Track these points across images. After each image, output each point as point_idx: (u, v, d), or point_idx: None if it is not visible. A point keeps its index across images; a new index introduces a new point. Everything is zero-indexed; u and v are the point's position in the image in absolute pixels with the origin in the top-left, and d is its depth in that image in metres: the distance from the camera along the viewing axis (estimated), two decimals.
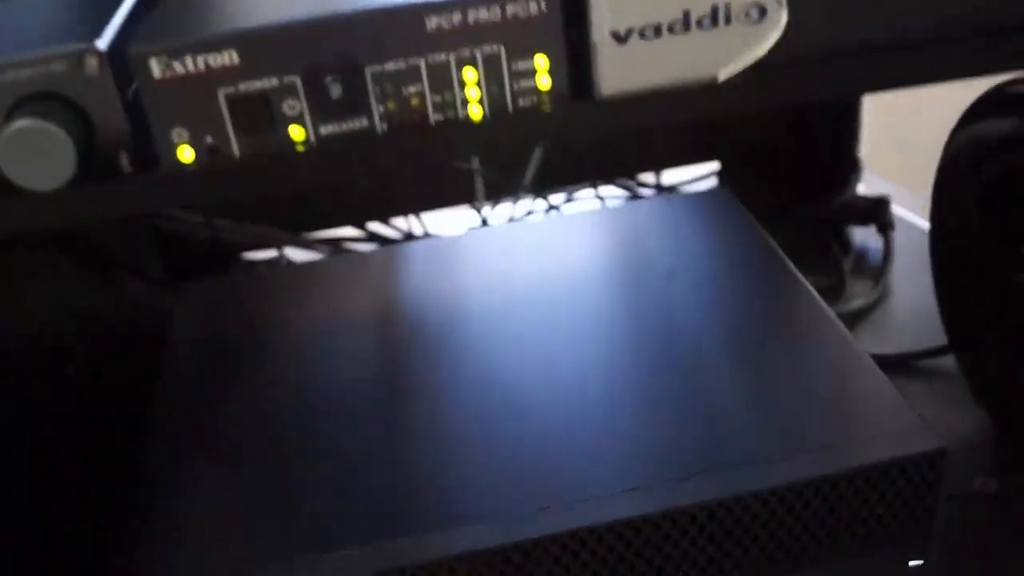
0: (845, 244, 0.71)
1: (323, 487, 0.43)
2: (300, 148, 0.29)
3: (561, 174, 0.81)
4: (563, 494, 0.41)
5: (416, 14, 0.28)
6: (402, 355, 0.52)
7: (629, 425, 0.44)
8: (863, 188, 0.76)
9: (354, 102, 0.28)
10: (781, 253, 0.54)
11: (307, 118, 0.29)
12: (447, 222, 0.83)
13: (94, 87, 0.29)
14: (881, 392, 0.44)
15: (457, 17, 0.28)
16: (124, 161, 0.30)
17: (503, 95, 0.29)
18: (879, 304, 0.64)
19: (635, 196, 0.81)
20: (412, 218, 0.78)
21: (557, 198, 0.80)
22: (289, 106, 0.28)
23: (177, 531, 0.42)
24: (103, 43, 0.29)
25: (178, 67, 0.28)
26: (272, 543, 0.41)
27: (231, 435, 0.47)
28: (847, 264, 0.68)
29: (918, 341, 0.59)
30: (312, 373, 0.51)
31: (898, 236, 0.70)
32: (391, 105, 0.29)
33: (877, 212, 0.69)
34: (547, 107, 0.29)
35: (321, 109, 0.28)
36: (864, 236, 0.72)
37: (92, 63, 0.29)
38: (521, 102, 0.29)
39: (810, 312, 0.49)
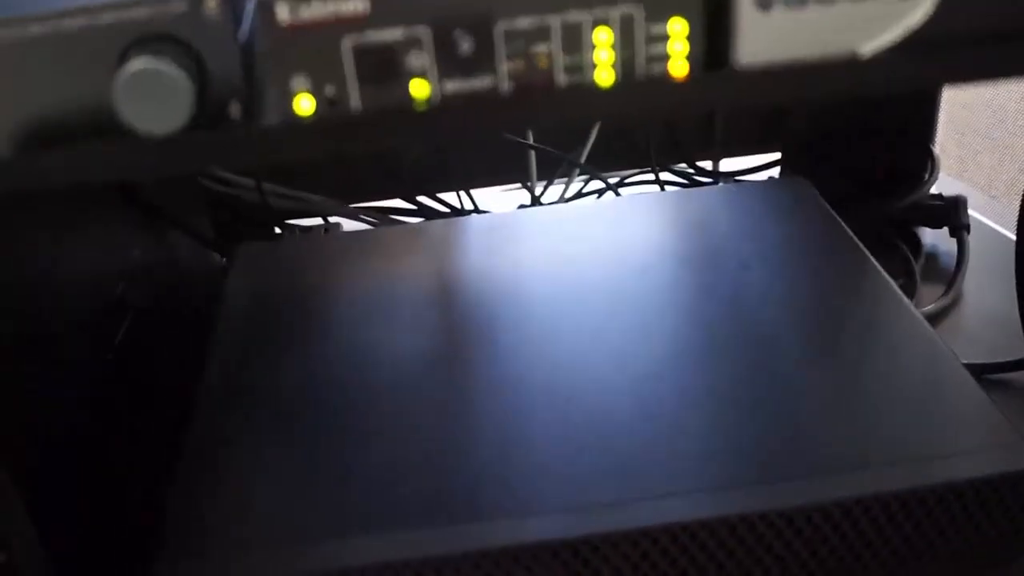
0: (915, 245, 0.71)
1: (379, 464, 0.43)
2: (422, 105, 0.28)
3: (614, 156, 0.80)
4: (634, 490, 0.40)
5: None
6: (462, 332, 0.51)
7: (703, 422, 0.43)
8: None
9: (481, 59, 0.28)
10: (863, 248, 0.54)
11: (432, 73, 0.28)
12: (496, 199, 0.83)
13: (211, 30, 0.29)
14: (975, 401, 0.42)
15: None
16: (234, 109, 0.30)
17: (635, 60, 0.29)
18: (950, 311, 0.64)
19: (693, 183, 0.80)
20: (460, 194, 0.78)
21: (612, 181, 0.80)
22: (415, 59, 0.28)
23: (228, 502, 0.42)
24: None
25: (305, 13, 0.27)
26: (325, 519, 0.40)
27: (285, 405, 0.47)
28: (918, 268, 0.68)
29: (993, 353, 0.58)
30: (369, 344, 0.51)
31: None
32: (518, 64, 0.28)
33: (952, 214, 0.69)
34: (680, 75, 0.29)
35: (447, 64, 0.28)
36: (933, 237, 0.72)
37: (211, 4, 0.28)
38: (653, 69, 0.29)
39: (895, 311, 0.49)
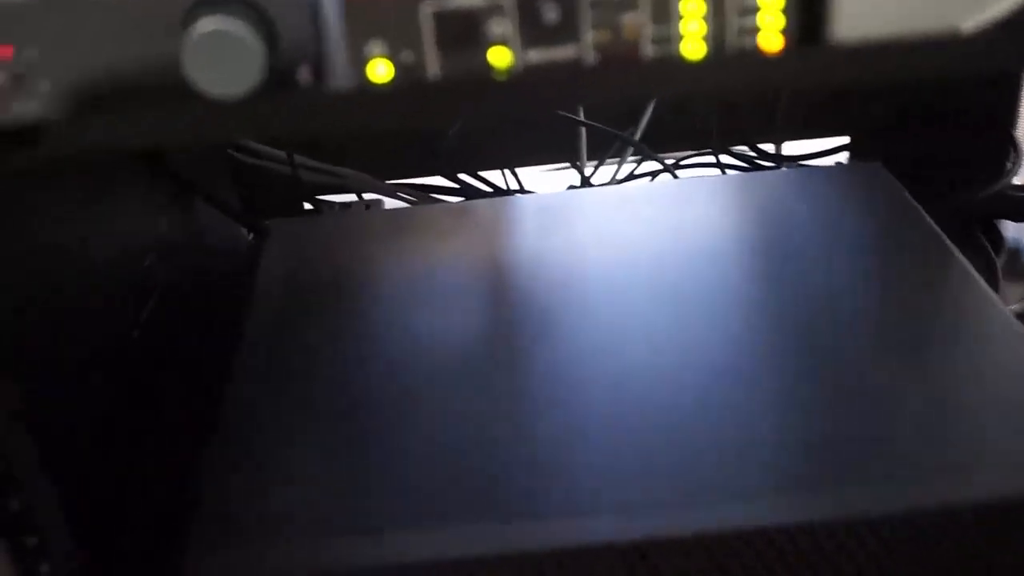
0: (996, 240, 0.71)
1: (425, 456, 0.44)
2: (502, 74, 0.30)
3: (669, 136, 0.81)
4: (698, 491, 0.41)
5: None
6: (512, 320, 0.52)
7: (775, 421, 0.44)
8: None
9: (566, 27, 0.29)
10: (947, 240, 0.54)
11: (515, 41, 0.29)
12: (542, 179, 0.84)
13: None
14: None
15: None
16: (304, 73, 0.31)
17: (726, 32, 0.30)
18: None
19: (754, 167, 0.81)
20: (504, 173, 0.79)
21: (668, 163, 0.81)
22: (496, 26, 0.29)
23: (262, 493, 0.43)
24: None
25: None
26: (362, 513, 0.41)
27: (324, 392, 0.48)
28: (999, 262, 0.68)
29: None
30: (413, 330, 0.52)
31: None
32: (604, 34, 0.30)
33: None
34: (773, 49, 0.30)
35: (530, 32, 0.29)
36: (1016, 231, 0.72)
37: None
38: (745, 42, 0.30)
39: (984, 309, 0.49)
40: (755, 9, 0.30)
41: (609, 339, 0.50)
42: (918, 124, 0.76)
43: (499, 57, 0.29)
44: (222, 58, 0.29)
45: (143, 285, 0.53)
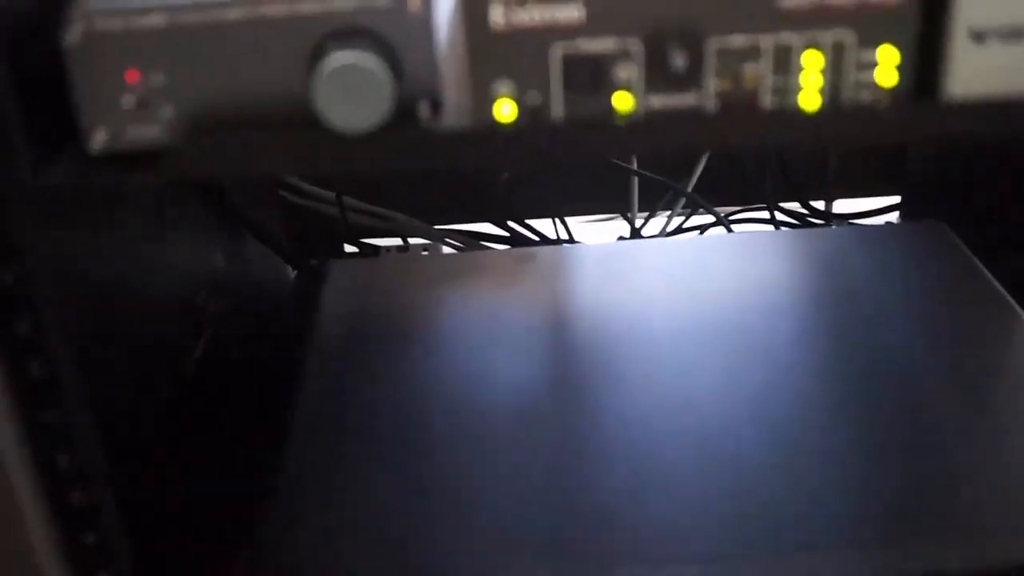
0: None
1: (494, 502, 0.45)
2: (625, 118, 0.32)
3: (720, 189, 0.83)
4: (766, 543, 0.42)
5: None
6: (576, 368, 0.54)
7: (839, 474, 0.45)
8: None
9: (690, 75, 0.31)
10: (1010, 299, 0.56)
11: (639, 86, 0.31)
12: (590, 229, 0.86)
13: (412, 27, 0.32)
14: None
15: None
16: (424, 109, 0.33)
17: (844, 85, 0.32)
18: None
19: (805, 224, 0.83)
20: (555, 222, 0.81)
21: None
22: (623, 71, 0.31)
23: (320, 533, 0.45)
24: None
25: (520, 16, 0.31)
26: (426, 565, 0.43)
27: (387, 438, 0.50)
28: None
29: None
30: (475, 376, 0.54)
31: None
32: (726, 83, 0.32)
33: None
34: (889, 104, 0.32)
35: (656, 78, 0.31)
36: None
37: (416, 1, 0.32)
38: (862, 95, 0.32)
39: None
40: (872, 64, 0.32)
41: (677, 390, 0.51)
42: (972, 182, 0.78)
43: (623, 101, 0.32)
44: (352, 93, 0.31)
45: (196, 319, 0.55)
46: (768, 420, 0.49)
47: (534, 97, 0.31)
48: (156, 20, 0.32)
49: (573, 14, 0.31)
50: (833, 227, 0.68)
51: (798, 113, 0.32)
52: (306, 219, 0.76)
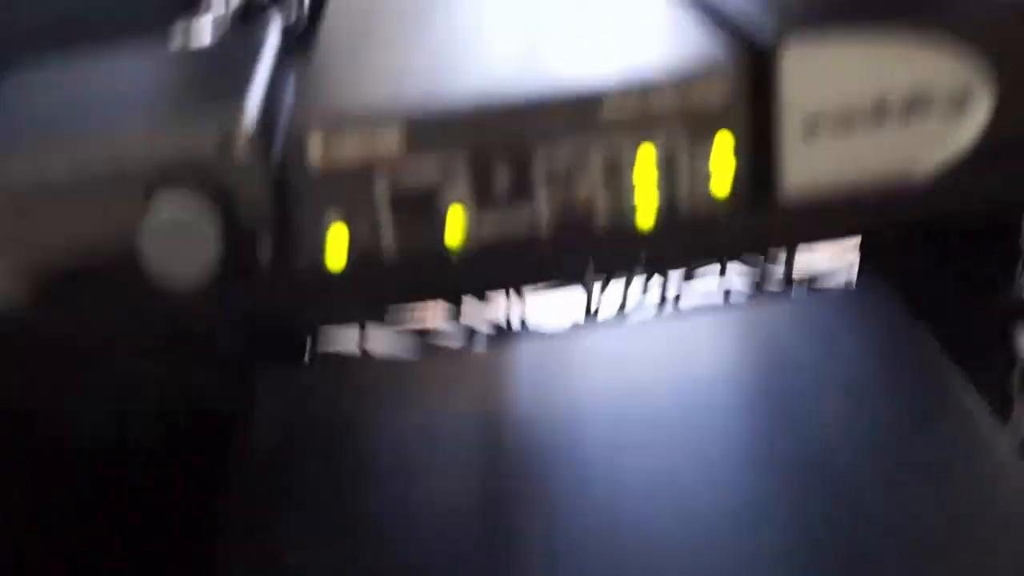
0: (1010, 351, 0.72)
1: None
2: (457, 250, 0.31)
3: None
4: None
5: (593, 98, 0.30)
6: (508, 476, 0.54)
7: (779, 569, 0.45)
8: None
9: (520, 192, 0.31)
10: (956, 371, 0.55)
11: (469, 206, 0.31)
12: (548, 302, 0.85)
13: (240, 168, 0.31)
14: None
15: (635, 102, 0.30)
16: (263, 250, 0.33)
17: (678, 196, 0.31)
18: None
19: (762, 280, 0.82)
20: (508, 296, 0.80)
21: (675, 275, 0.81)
22: (451, 195, 0.31)
23: None
24: (251, 117, 0.32)
25: (338, 145, 0.30)
26: None
27: (317, 556, 0.49)
28: (1015, 377, 0.69)
29: None
30: (408, 493, 0.53)
31: None
32: (558, 197, 0.31)
33: None
34: (726, 209, 0.31)
35: (484, 198, 0.31)
36: None
37: (242, 142, 0.31)
38: (697, 204, 0.31)
39: (986, 450, 0.50)
40: (705, 170, 0.31)
41: (613, 499, 0.51)
42: (927, 230, 0.77)
43: (454, 227, 0.31)
44: (179, 245, 0.31)
45: (133, 441, 0.54)
46: (708, 529, 0.49)
47: (364, 233, 0.31)
48: None
49: (392, 143, 0.30)
50: (780, 299, 0.67)
51: (635, 229, 0.31)
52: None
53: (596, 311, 0.80)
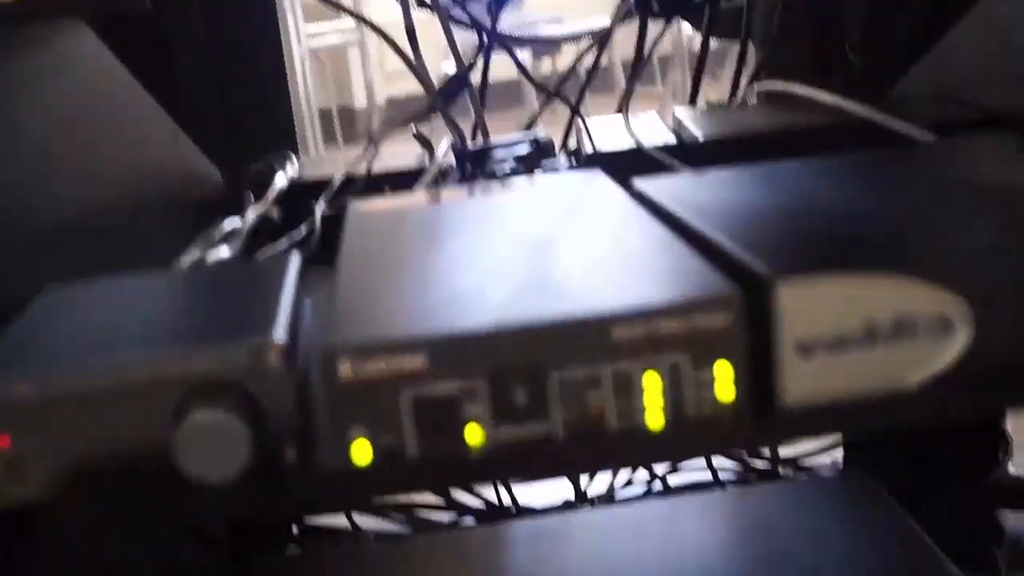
0: (996, 531, 0.74)
1: None
2: (477, 451, 0.34)
3: None
4: None
5: (603, 323, 0.33)
6: None
7: None
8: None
9: (536, 407, 0.33)
10: (944, 559, 0.57)
11: (488, 421, 0.33)
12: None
13: (272, 380, 0.34)
14: None
15: (643, 327, 0.33)
16: (290, 455, 0.35)
17: (684, 404, 0.34)
18: None
19: (748, 468, 0.84)
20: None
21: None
22: (471, 409, 0.33)
23: None
24: (281, 336, 0.34)
25: (367, 367, 0.33)
26: None
27: None
28: (1001, 557, 0.70)
29: None
30: None
31: None
32: (572, 411, 0.34)
33: None
34: (728, 417, 0.34)
35: (503, 413, 0.33)
36: (1018, 521, 0.74)
37: (273, 357, 0.34)
38: (702, 412, 0.34)
39: None
40: (709, 383, 0.34)
41: None
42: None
43: (474, 435, 0.33)
44: (211, 448, 0.33)
45: None
46: None
47: (388, 440, 0.33)
48: (26, 390, 0.34)
49: (417, 363, 0.33)
50: (768, 485, 0.69)
51: (645, 432, 0.34)
52: None
53: (585, 490, 0.81)
